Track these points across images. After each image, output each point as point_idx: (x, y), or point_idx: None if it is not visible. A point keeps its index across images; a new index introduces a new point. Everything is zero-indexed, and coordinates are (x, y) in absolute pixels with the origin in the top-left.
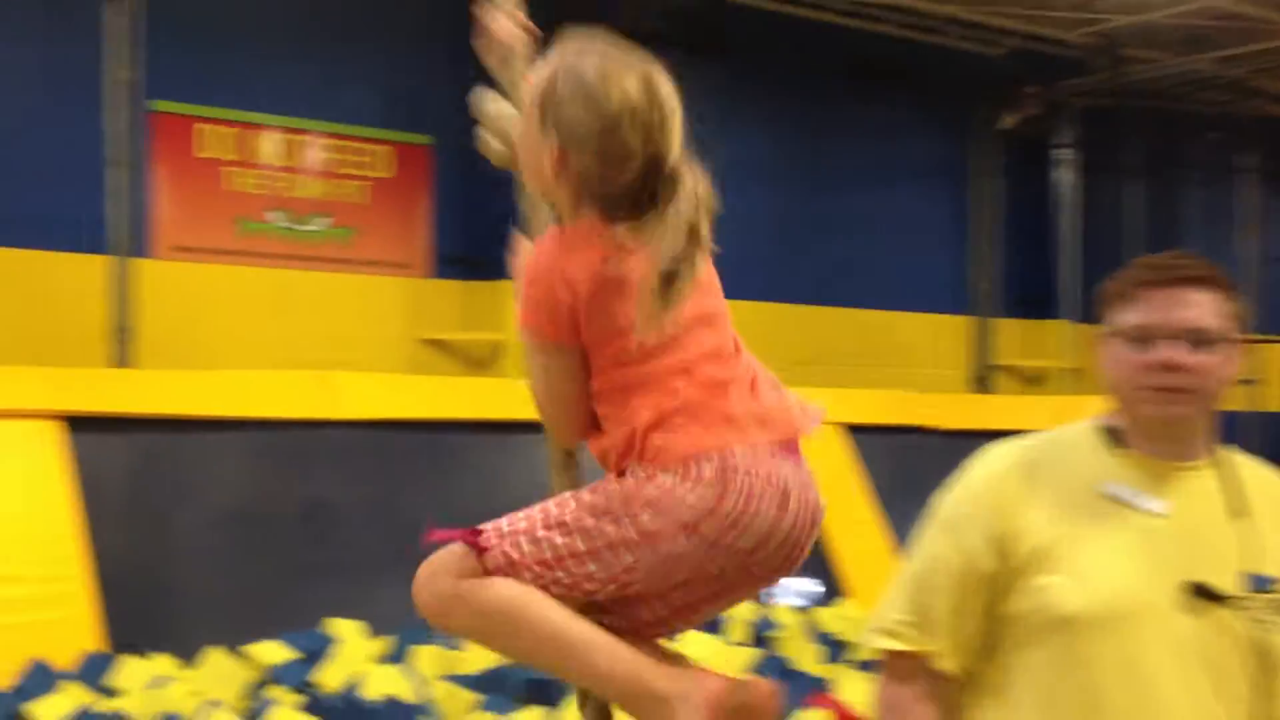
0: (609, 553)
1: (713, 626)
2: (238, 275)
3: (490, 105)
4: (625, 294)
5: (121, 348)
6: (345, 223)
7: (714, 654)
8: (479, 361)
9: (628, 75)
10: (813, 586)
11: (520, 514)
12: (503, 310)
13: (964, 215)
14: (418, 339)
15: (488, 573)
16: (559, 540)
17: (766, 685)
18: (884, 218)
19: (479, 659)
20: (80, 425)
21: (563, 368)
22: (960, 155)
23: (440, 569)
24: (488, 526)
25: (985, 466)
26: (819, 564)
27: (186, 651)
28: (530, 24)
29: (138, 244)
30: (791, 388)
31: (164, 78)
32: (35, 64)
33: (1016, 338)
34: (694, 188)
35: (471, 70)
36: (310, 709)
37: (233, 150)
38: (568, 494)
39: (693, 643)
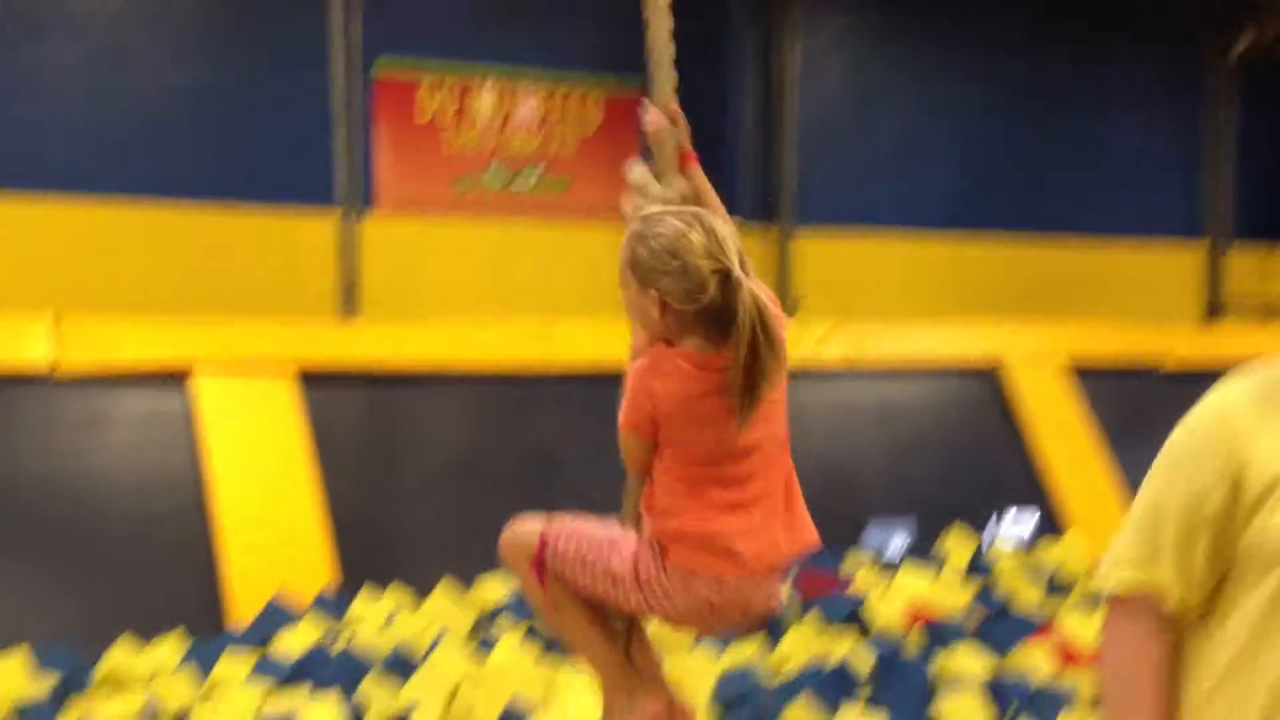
0: (619, 599)
1: (928, 559)
2: (457, 229)
3: (636, 174)
4: (699, 418)
5: (348, 301)
6: (558, 173)
7: (930, 591)
8: None
9: (685, 225)
10: (1030, 522)
11: (575, 537)
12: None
13: (1196, 140)
14: None
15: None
16: (588, 579)
17: (690, 711)
18: (1112, 145)
19: None
20: (311, 377)
21: (634, 447)
22: (1192, 78)
23: (517, 545)
24: (552, 535)
25: (1218, 399)
26: (1040, 500)
27: (419, 588)
28: (679, 113)
29: (362, 201)
30: (1015, 324)
31: (385, 37)
32: (264, 28)
33: (1252, 267)
34: (751, 290)
35: (681, 19)
36: (534, 640)
37: (451, 107)
38: (607, 545)
39: (909, 581)
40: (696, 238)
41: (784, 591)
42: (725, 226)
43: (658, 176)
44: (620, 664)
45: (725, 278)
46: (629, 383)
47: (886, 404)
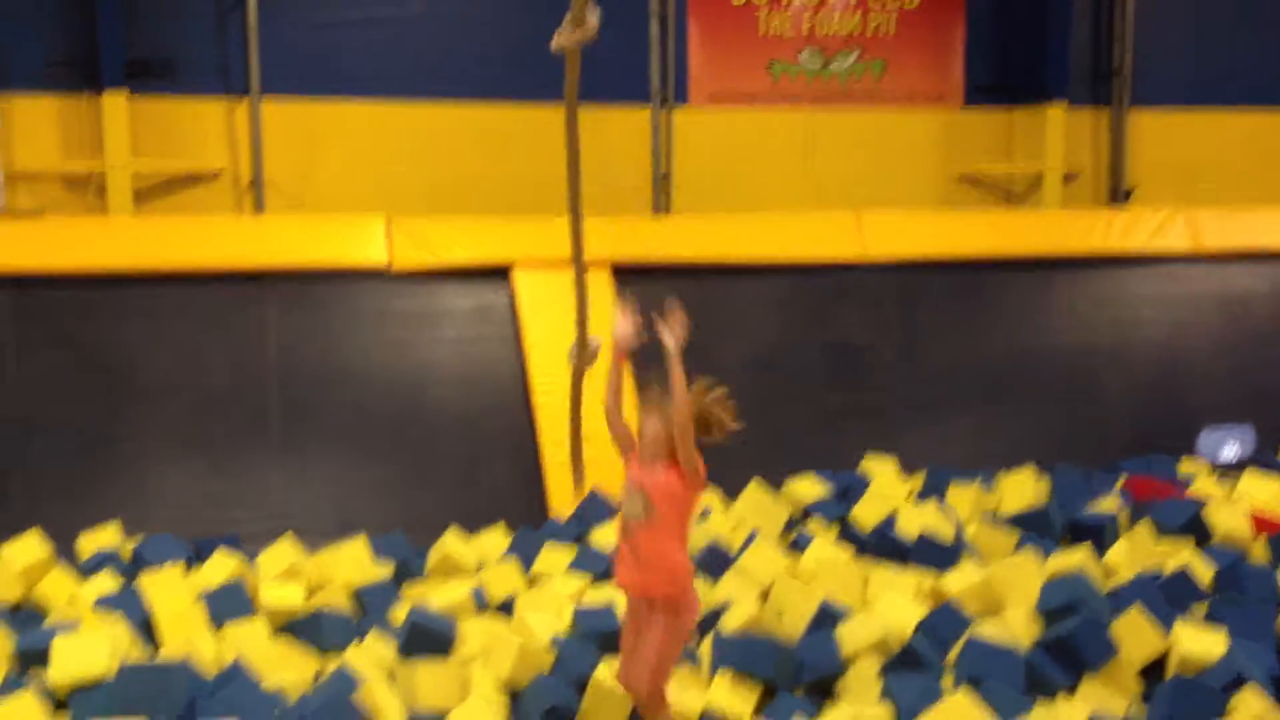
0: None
1: (1274, 464)
2: (769, 119)
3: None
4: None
5: (660, 194)
6: (875, 56)
7: (1277, 499)
8: (1017, 194)
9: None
10: None
11: (655, 669)
12: (1042, 138)
13: None
14: (952, 173)
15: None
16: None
17: None
18: None
19: (1016, 498)
20: (625, 272)
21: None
22: None
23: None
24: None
25: None
26: None
27: (728, 487)
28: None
29: (675, 95)
30: None
31: None
32: None
33: None
34: None
35: None
36: (847, 542)
37: None
38: (660, 642)
39: (1252, 487)
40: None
41: None
42: None
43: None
44: None
45: None
46: (681, 494)
47: (1230, 294)
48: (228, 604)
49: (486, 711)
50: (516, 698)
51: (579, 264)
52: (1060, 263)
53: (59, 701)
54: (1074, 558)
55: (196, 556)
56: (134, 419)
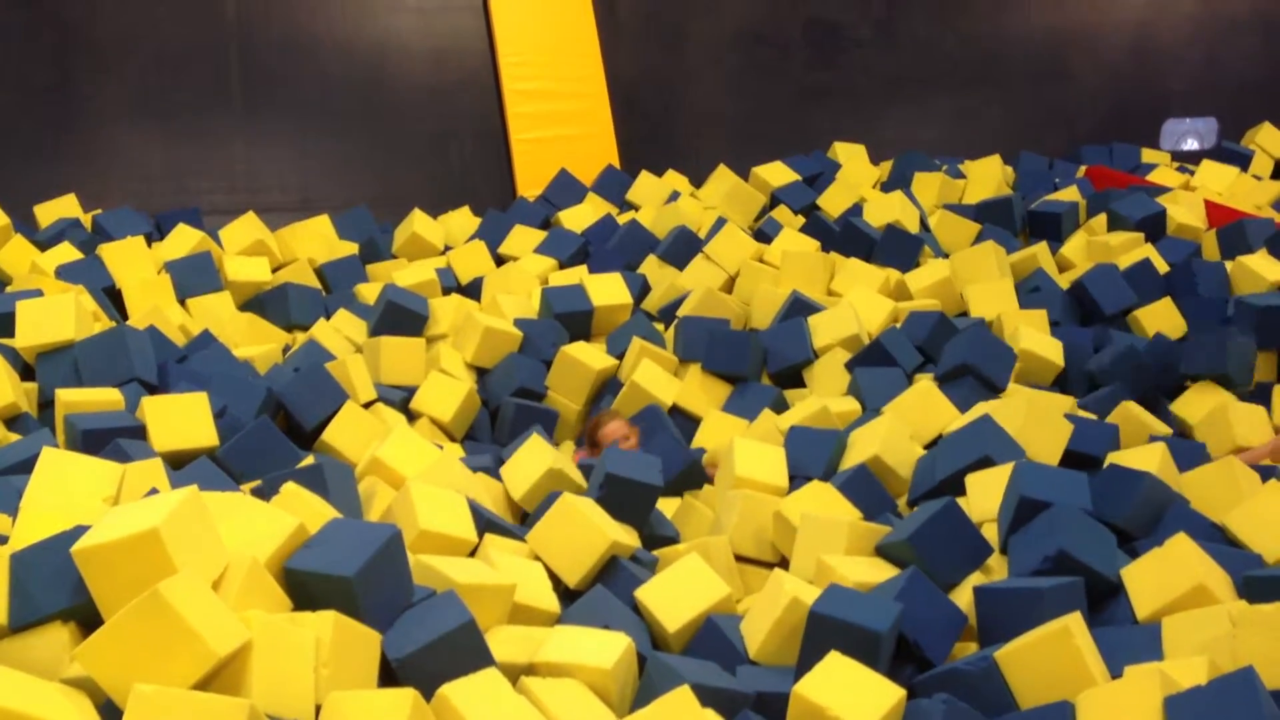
0: None
1: (1234, 155)
2: None
3: None
4: None
5: None
6: None
7: (1232, 189)
8: None
9: None
10: None
11: None
12: None
13: None
14: None
15: None
16: None
17: None
18: None
19: (980, 188)
20: None
21: None
22: None
23: None
24: None
25: None
26: None
27: (696, 171)
28: None
29: None
30: None
31: None
32: None
33: None
34: None
35: None
36: (813, 232)
37: None
38: None
39: (1210, 178)
40: None
41: None
42: None
43: None
44: None
45: None
46: None
47: None
48: (194, 276)
49: (454, 388)
50: (484, 375)
51: None
52: None
53: (25, 366)
54: (1033, 249)
55: (157, 231)
56: (89, 81)
